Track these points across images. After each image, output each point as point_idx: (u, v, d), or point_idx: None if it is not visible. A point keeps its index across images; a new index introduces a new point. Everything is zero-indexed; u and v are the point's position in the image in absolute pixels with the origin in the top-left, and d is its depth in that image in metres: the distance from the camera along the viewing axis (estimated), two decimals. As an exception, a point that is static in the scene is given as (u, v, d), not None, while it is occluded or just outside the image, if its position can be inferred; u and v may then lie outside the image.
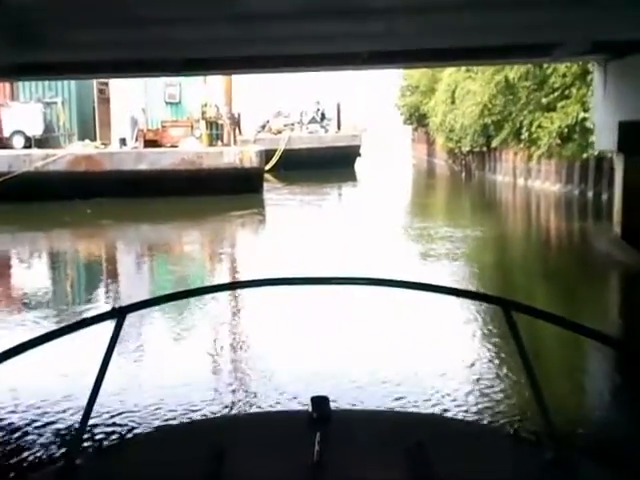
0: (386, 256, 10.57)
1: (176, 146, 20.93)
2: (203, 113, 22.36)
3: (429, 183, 27.32)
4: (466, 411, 4.74)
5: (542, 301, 7.90)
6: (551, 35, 8.36)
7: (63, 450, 3.35)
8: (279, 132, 35.51)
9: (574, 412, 4.66)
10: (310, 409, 1.46)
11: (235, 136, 24.51)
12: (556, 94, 13.69)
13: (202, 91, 22.80)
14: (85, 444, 1.56)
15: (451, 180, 28.71)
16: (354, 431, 1.44)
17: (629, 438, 4.14)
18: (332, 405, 1.48)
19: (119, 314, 1.42)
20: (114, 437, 2.41)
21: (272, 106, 38.51)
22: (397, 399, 4.88)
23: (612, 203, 16.53)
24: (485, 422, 4.46)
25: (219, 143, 21.95)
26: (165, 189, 19.28)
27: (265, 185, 25.30)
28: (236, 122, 24.56)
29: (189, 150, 20.50)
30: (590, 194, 17.84)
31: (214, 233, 15.67)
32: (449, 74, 29.35)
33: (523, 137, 15.70)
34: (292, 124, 36.41)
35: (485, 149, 26.05)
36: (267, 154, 32.35)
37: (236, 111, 36.94)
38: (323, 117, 37.81)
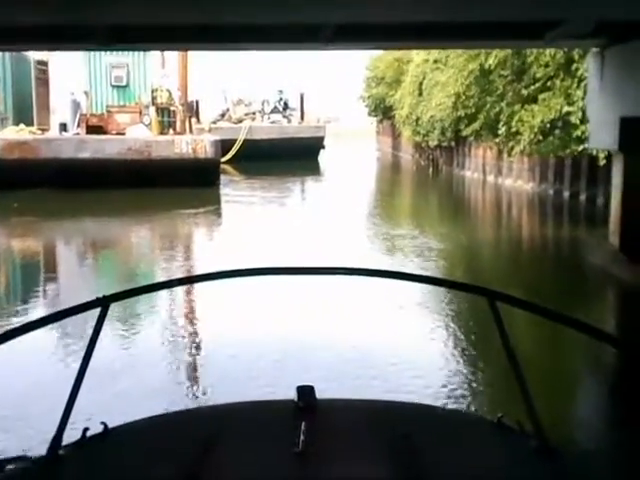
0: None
1: (123, 133, 18.98)
2: (154, 98, 20.43)
3: (395, 179, 25.85)
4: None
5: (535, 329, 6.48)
6: (550, 11, 6.96)
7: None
8: (240, 121, 33.65)
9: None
10: (296, 398, 1.47)
11: (191, 124, 22.63)
12: (537, 85, 12.30)
13: (153, 74, 20.84)
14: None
15: (417, 176, 27.31)
16: (340, 420, 1.45)
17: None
18: (318, 394, 1.48)
19: (103, 303, 1.42)
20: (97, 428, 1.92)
21: (233, 94, 36.58)
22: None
23: (594, 205, 15.38)
24: (471, 411, 4.43)
25: (170, 131, 20.06)
26: (109, 180, 17.45)
27: (223, 178, 23.52)
28: (192, 109, 22.67)
29: (137, 138, 18.60)
30: (566, 194, 16.61)
31: (158, 237, 13.25)
32: (416, 65, 27.96)
33: (500, 132, 14.31)
34: (253, 113, 34.59)
35: (454, 144, 24.78)
36: (227, 144, 30.74)
37: (195, 98, 35.28)
38: (286, 107, 36.07)
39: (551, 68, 11.85)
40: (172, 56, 22.02)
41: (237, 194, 19.38)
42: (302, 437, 1.30)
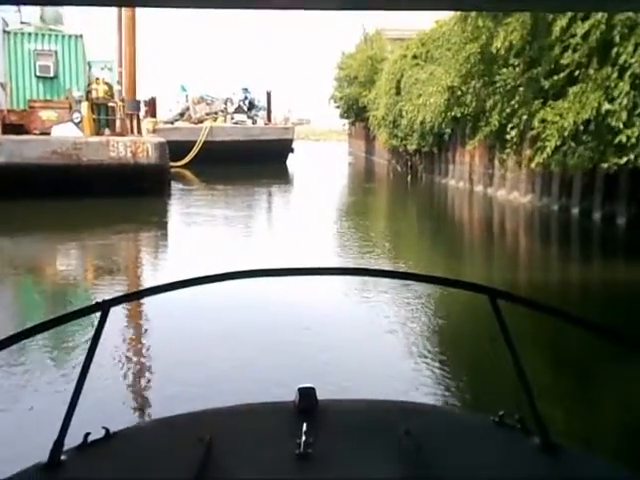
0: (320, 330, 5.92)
1: (48, 133, 15.54)
2: (88, 92, 16.99)
3: (370, 188, 22.48)
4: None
5: None
6: None
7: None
8: (200, 121, 30.26)
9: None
10: (296, 400, 1.45)
11: (139, 124, 19.21)
12: (562, 75, 9.20)
13: (88, 63, 17.40)
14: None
15: (395, 185, 24.12)
16: (341, 421, 1.43)
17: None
18: (319, 395, 1.45)
19: (103, 307, 1.37)
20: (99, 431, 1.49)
21: (194, 91, 33.15)
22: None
23: (613, 225, 12.33)
24: (472, 410, 3.73)
25: (106, 131, 16.64)
26: (29, 189, 14.05)
27: (176, 186, 20.12)
28: (138, 106, 19.21)
29: (63, 139, 15.17)
30: (575, 211, 13.65)
31: (69, 273, 9.32)
32: (393, 61, 24.96)
33: (511, 136, 11.23)
34: (215, 113, 31.20)
35: (436, 149, 21.81)
36: (186, 146, 27.42)
37: (152, 95, 31.78)
38: (252, 106, 32.76)
39: (580, 53, 8.79)
40: (115, 40, 18.67)
41: (190, 208, 15.80)
42: (304, 438, 1.28)
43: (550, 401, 4.14)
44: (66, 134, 15.46)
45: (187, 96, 33.01)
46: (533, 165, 10.45)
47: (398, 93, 23.47)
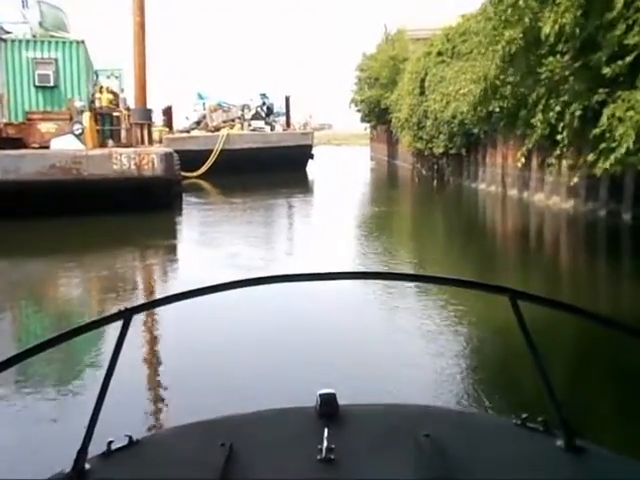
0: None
1: (47, 147, 14.34)
2: (92, 102, 15.78)
3: (395, 197, 20.74)
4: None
5: None
6: None
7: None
8: (217, 129, 29.01)
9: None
10: (317, 405, 1.43)
11: (150, 134, 17.96)
12: (628, 59, 7.50)
13: (89, 72, 16.19)
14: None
15: (421, 191, 22.36)
16: (362, 426, 1.40)
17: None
18: (339, 400, 1.43)
19: (125, 315, 1.34)
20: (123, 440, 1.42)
21: (211, 98, 31.97)
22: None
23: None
24: (494, 413, 3.97)
25: (110, 143, 15.39)
26: (26, 207, 12.88)
27: (192, 198, 18.83)
28: (148, 115, 17.95)
29: (62, 152, 13.94)
30: (627, 217, 11.96)
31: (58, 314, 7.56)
32: (417, 59, 23.38)
33: (562, 137, 9.46)
34: (232, 120, 29.93)
35: (464, 151, 20.17)
36: (202, 155, 26.19)
37: (165, 103, 30.67)
38: (270, 112, 31.42)
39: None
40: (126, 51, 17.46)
41: (203, 225, 14.25)
42: (325, 444, 1.27)
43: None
44: (66, 147, 14.24)
45: (204, 104, 31.86)
46: (598, 171, 8.66)
47: (422, 93, 21.89)
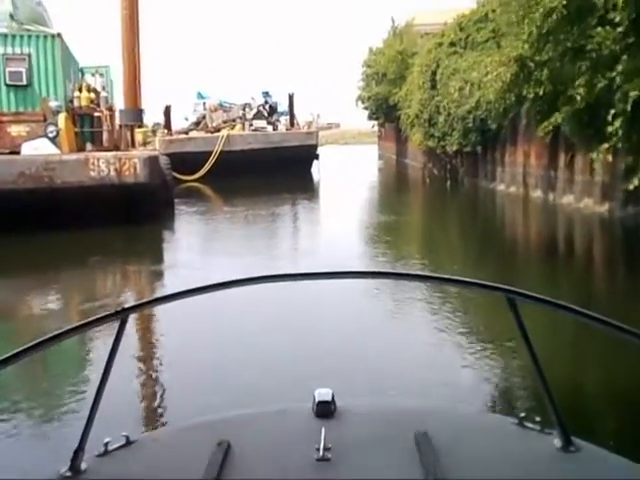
0: None
1: (17, 152, 12.75)
2: (71, 101, 14.16)
3: (406, 201, 18.78)
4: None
5: None
6: None
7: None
8: (217, 130, 27.37)
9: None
10: (314, 403, 1.41)
11: (133, 137, 16.33)
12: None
13: (68, 69, 14.56)
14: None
15: (434, 193, 20.43)
16: (359, 424, 1.39)
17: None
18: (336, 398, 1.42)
19: (122, 315, 1.34)
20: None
21: (211, 97, 30.31)
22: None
23: None
24: (492, 411, 3.90)
25: (88, 146, 13.76)
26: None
27: (185, 207, 17.05)
28: (137, 117, 16.32)
29: (33, 158, 12.34)
30: (677, 223, 10.19)
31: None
32: (427, 50, 21.60)
33: (614, 128, 7.69)
34: (233, 120, 28.27)
35: (480, 149, 18.39)
36: (201, 157, 24.58)
37: (164, 103, 29.08)
38: (272, 111, 29.71)
39: None
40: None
41: (198, 238, 12.35)
42: (322, 443, 1.25)
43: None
44: (39, 151, 12.63)
45: (205, 103, 30.22)
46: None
47: (434, 87, 20.12)
